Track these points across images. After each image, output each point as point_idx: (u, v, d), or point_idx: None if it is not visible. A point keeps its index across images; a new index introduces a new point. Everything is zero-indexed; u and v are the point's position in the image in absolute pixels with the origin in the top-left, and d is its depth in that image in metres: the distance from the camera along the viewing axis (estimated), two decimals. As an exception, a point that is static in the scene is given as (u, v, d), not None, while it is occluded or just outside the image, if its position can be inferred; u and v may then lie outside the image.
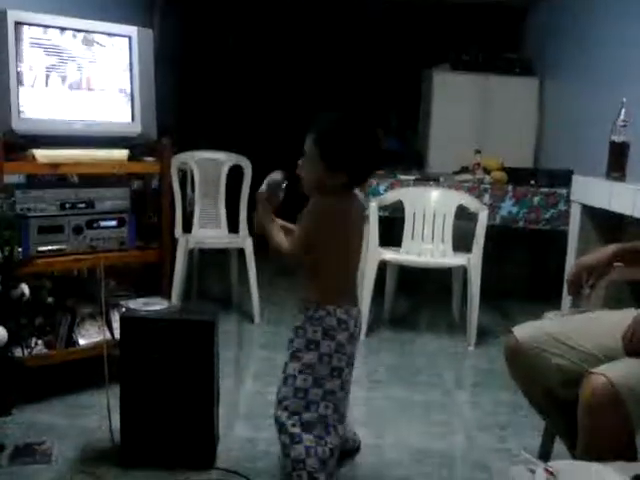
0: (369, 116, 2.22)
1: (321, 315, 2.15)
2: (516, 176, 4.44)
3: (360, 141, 2.14)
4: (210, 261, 4.83)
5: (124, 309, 2.50)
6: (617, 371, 1.77)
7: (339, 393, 2.18)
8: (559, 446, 2.28)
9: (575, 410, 1.84)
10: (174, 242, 3.88)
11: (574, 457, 1.90)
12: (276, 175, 2.23)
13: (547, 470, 1.46)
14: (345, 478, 2.43)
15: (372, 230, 3.93)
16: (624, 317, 1.99)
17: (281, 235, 2.21)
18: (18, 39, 2.66)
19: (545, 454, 2.31)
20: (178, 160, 4.15)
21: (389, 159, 4.60)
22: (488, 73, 5.65)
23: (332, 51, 6.81)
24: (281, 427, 2.17)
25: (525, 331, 2.12)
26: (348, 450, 2.53)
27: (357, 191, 2.32)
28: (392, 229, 4.45)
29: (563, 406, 2.07)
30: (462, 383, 3.51)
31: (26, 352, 2.75)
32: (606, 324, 2.07)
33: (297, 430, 2.14)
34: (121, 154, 3.00)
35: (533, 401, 2.23)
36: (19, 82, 2.68)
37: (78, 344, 2.97)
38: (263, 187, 2.23)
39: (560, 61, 5.27)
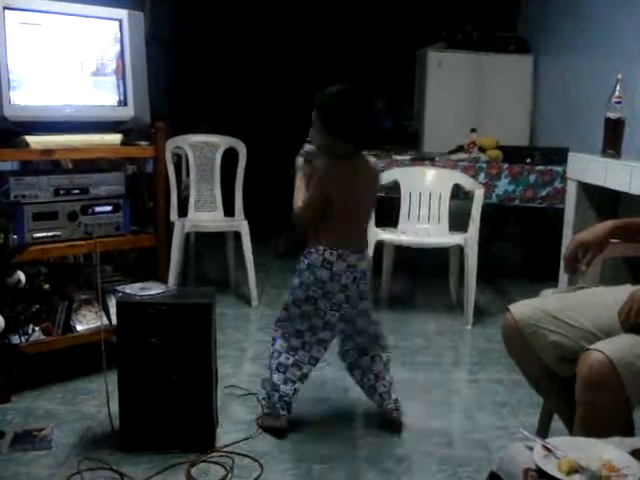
0: (365, 86, 2.52)
1: (310, 251, 2.52)
2: (512, 154, 4.43)
3: (355, 102, 2.42)
4: (207, 245, 4.82)
5: (120, 294, 2.49)
6: (614, 347, 1.77)
7: (315, 320, 2.54)
8: (557, 423, 2.29)
9: (573, 387, 1.84)
10: (170, 226, 3.87)
11: (572, 434, 1.91)
12: (309, 146, 2.63)
13: (545, 447, 1.46)
14: (345, 458, 2.44)
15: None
16: (621, 293, 1.99)
17: (299, 199, 2.54)
18: (7, 24, 2.62)
19: (543, 431, 2.32)
20: (172, 144, 4.14)
21: (385, 137, 4.60)
22: (482, 51, 5.61)
23: (326, 32, 6.76)
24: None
25: (522, 309, 2.12)
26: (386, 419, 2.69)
27: (371, 158, 2.62)
28: (388, 209, 4.44)
29: (561, 383, 2.08)
30: (460, 362, 3.52)
31: (23, 339, 2.75)
32: (603, 301, 2.07)
33: (276, 334, 2.61)
34: (114, 139, 2.97)
35: (531, 379, 2.24)
36: (9, 68, 2.65)
37: (75, 330, 2.97)
38: (299, 158, 2.63)
39: (555, 38, 5.24)
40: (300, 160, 2.62)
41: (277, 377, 2.56)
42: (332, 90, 2.45)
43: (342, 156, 2.47)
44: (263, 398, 2.64)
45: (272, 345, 2.63)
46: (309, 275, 2.51)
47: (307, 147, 2.68)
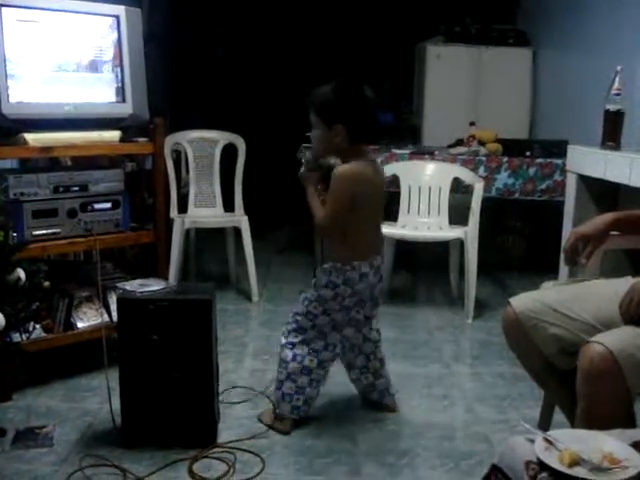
0: (356, 77, 2.49)
1: (346, 269, 2.46)
2: (511, 147, 4.42)
3: (347, 90, 2.42)
4: (206, 241, 4.82)
5: (121, 291, 2.49)
6: (615, 339, 1.77)
7: (346, 328, 2.55)
8: (558, 416, 2.29)
9: (573, 380, 1.84)
10: (170, 223, 3.87)
11: (573, 426, 1.91)
12: (308, 154, 2.57)
13: (546, 439, 1.46)
14: (346, 453, 2.44)
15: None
16: (621, 286, 1.99)
17: (319, 208, 2.48)
18: (4, 21, 2.62)
19: (544, 424, 2.32)
20: (171, 140, 4.13)
21: (384, 131, 4.60)
22: (481, 45, 5.60)
23: (324, 27, 6.75)
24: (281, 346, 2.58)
25: (522, 302, 2.12)
26: (374, 401, 2.77)
27: (377, 160, 2.67)
28: (388, 203, 4.44)
29: (562, 376, 2.08)
30: (461, 356, 3.52)
31: (24, 337, 2.74)
32: (603, 293, 2.07)
33: (293, 340, 2.54)
34: (113, 135, 2.97)
35: (532, 372, 2.24)
36: (6, 65, 2.64)
37: (76, 327, 2.97)
38: (302, 169, 2.55)
39: (554, 31, 5.23)
40: (304, 172, 2.55)
41: (302, 380, 2.54)
42: (325, 87, 2.44)
43: (355, 156, 2.44)
44: (277, 400, 2.59)
45: (291, 349, 2.56)
46: (346, 289, 2.48)
47: (307, 155, 2.63)
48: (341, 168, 2.43)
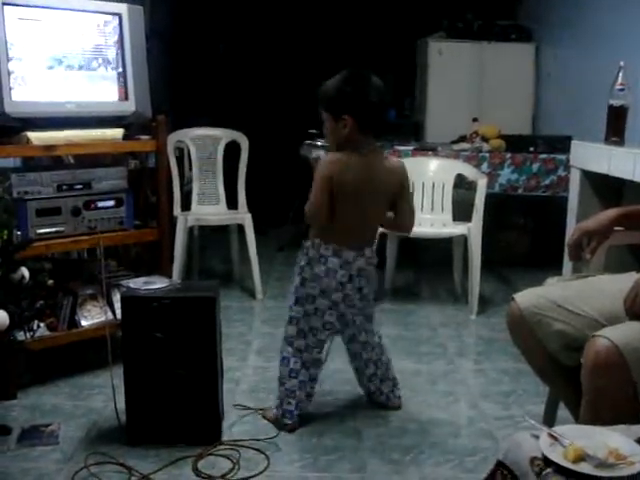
0: (366, 69, 2.50)
1: (307, 246, 2.51)
2: (514, 143, 4.42)
3: (353, 80, 2.41)
4: (210, 238, 4.83)
5: (125, 289, 2.49)
6: (620, 334, 1.77)
7: (313, 320, 2.51)
8: (563, 412, 2.29)
9: (578, 376, 1.84)
10: (173, 220, 3.87)
11: (578, 422, 1.91)
12: (318, 152, 2.61)
13: (551, 435, 1.46)
14: (350, 450, 2.44)
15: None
16: (625, 281, 1.99)
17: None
18: (6, 20, 2.62)
19: (549, 420, 2.32)
20: (174, 138, 4.13)
21: (387, 128, 4.59)
22: (484, 40, 5.60)
23: (326, 23, 6.74)
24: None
25: (527, 298, 2.12)
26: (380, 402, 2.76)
27: (394, 158, 2.68)
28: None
29: (566, 372, 2.07)
30: (465, 352, 3.52)
31: (28, 335, 2.75)
32: (607, 288, 2.06)
33: (284, 341, 2.58)
34: (116, 133, 2.97)
35: (536, 368, 2.23)
36: (9, 64, 2.64)
37: (80, 325, 2.97)
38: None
39: (556, 26, 5.22)
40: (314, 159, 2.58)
41: (291, 383, 2.55)
42: (333, 79, 2.45)
43: (354, 150, 2.41)
44: (277, 405, 2.59)
45: (281, 351, 2.59)
46: (308, 270, 2.49)
47: (317, 154, 2.64)
48: (329, 156, 2.47)
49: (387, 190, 2.51)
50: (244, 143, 4.30)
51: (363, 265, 2.50)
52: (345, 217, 2.44)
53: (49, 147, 2.78)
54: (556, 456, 1.39)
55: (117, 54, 2.97)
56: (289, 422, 2.55)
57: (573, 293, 2.08)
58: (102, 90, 2.95)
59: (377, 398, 2.76)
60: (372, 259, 2.54)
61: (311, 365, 2.56)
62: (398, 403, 2.77)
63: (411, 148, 4.44)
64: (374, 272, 2.59)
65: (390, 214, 2.57)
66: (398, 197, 2.53)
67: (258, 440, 2.47)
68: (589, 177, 3.59)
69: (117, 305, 2.99)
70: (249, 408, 2.72)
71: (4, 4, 2.61)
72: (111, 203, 2.97)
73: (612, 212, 2.13)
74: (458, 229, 3.96)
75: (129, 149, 3.21)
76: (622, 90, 3.33)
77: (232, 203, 4.35)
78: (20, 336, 2.70)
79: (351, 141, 2.41)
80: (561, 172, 4.20)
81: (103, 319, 2.94)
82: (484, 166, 4.26)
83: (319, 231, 2.48)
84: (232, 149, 4.34)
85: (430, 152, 4.37)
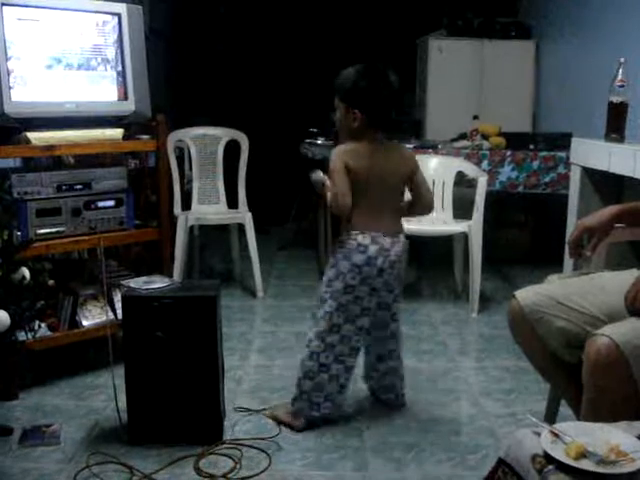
0: (384, 64, 2.53)
1: (342, 239, 2.48)
2: (514, 141, 4.41)
3: (369, 76, 2.44)
4: (210, 237, 4.83)
5: (125, 288, 2.49)
6: (621, 331, 1.77)
7: (352, 307, 2.48)
8: (564, 409, 2.29)
9: (579, 373, 1.84)
10: (173, 220, 3.87)
11: (579, 419, 1.91)
12: (315, 176, 2.52)
13: (552, 432, 1.46)
14: (352, 448, 2.44)
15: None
16: (626, 278, 1.99)
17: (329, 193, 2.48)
18: (5, 20, 2.62)
19: (551, 418, 2.32)
20: (174, 137, 4.13)
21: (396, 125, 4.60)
22: (484, 38, 5.60)
23: (326, 22, 6.74)
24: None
25: (527, 295, 2.12)
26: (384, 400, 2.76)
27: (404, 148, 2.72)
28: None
29: (567, 369, 2.08)
30: (466, 350, 3.52)
31: (30, 335, 2.75)
32: (608, 285, 2.06)
33: (311, 335, 2.53)
34: (116, 133, 2.97)
35: (537, 365, 2.23)
36: (8, 64, 2.64)
37: (81, 325, 2.97)
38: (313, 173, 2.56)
39: (556, 23, 5.21)
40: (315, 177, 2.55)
41: (320, 378, 2.52)
42: (350, 69, 2.48)
43: (364, 140, 2.46)
44: (295, 397, 2.58)
45: (307, 346, 2.55)
46: (345, 263, 2.46)
47: (313, 177, 2.55)
48: (340, 146, 2.49)
49: (402, 173, 2.54)
50: (244, 142, 4.30)
51: (400, 251, 2.52)
52: (366, 203, 2.46)
53: (49, 147, 2.78)
54: (558, 453, 1.39)
55: (116, 54, 2.96)
56: (316, 414, 2.54)
57: (574, 290, 2.08)
58: (102, 90, 2.95)
59: (382, 395, 2.75)
60: (405, 245, 2.57)
61: (347, 356, 2.53)
62: (403, 401, 2.77)
63: (411, 146, 4.43)
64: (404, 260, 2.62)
65: (406, 199, 2.62)
66: (414, 178, 2.57)
67: (260, 439, 2.47)
68: (589, 174, 3.59)
69: (118, 305, 3.00)
70: (250, 410, 2.71)
71: (3, 4, 2.61)
72: (111, 203, 2.97)
73: (613, 209, 2.12)
74: (459, 227, 3.96)
75: (129, 149, 3.21)
76: (622, 87, 3.32)
77: (232, 202, 4.35)
78: (21, 336, 2.70)
79: (360, 134, 2.47)
80: (561, 169, 4.20)
81: (104, 319, 2.94)
82: (484, 164, 4.25)
83: (353, 222, 2.47)
84: (232, 148, 4.34)
85: (430, 150, 4.36)
